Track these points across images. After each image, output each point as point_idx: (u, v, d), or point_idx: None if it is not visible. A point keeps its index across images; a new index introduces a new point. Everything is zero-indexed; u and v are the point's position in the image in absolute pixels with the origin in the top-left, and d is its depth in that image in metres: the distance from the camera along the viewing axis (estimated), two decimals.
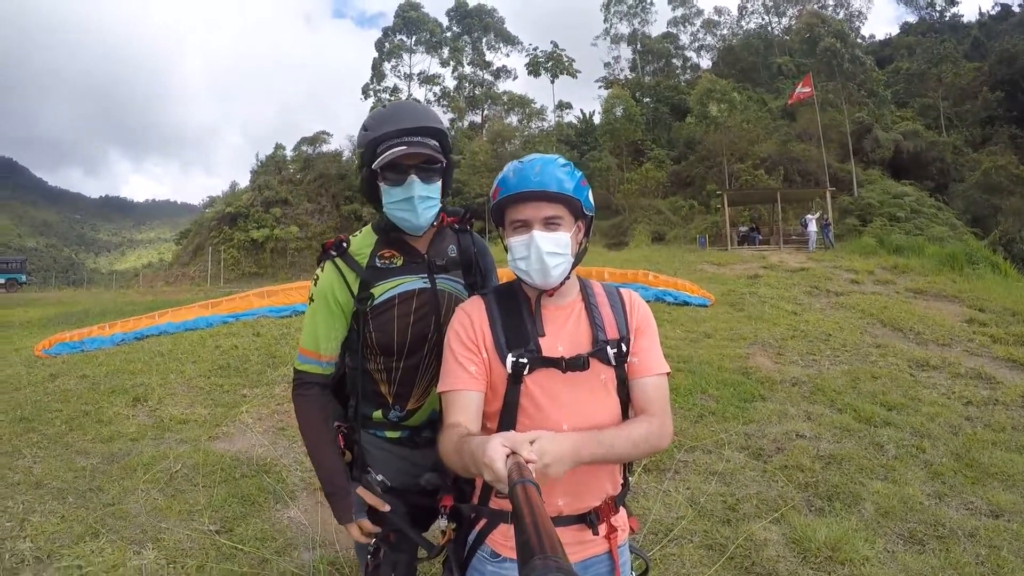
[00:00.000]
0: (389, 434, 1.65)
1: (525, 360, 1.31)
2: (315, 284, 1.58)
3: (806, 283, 12.32)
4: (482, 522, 1.38)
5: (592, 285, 1.48)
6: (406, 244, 1.60)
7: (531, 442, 1.00)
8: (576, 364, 1.32)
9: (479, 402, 1.34)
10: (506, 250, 1.39)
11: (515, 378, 1.32)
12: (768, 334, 8.20)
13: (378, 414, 1.63)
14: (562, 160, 1.37)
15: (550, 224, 1.32)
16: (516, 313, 1.38)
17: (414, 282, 1.57)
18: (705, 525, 3.45)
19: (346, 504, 1.54)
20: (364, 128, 1.54)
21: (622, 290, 1.49)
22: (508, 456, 0.92)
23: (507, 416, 1.34)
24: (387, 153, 1.46)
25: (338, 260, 1.56)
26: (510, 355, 1.31)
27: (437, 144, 1.54)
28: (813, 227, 23.94)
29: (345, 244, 1.58)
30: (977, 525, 3.49)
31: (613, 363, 1.36)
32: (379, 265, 1.56)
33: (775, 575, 2.98)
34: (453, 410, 1.32)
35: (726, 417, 5.20)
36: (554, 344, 1.35)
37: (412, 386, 1.61)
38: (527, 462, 0.90)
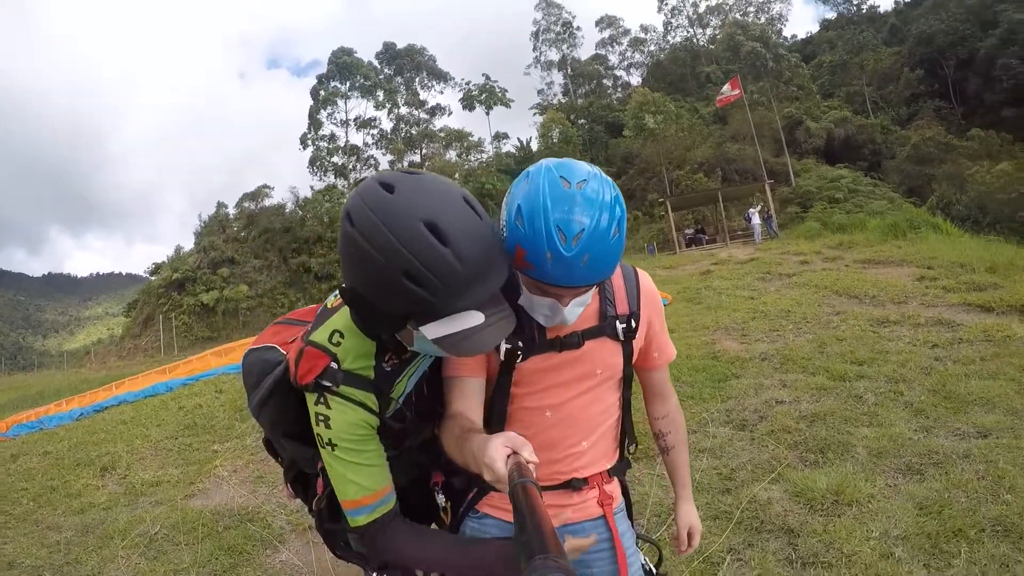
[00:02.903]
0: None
1: (520, 346, 1.27)
2: (326, 426, 1.19)
3: (758, 271, 12.56)
4: (473, 492, 1.37)
5: None
6: None
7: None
8: (570, 343, 1.29)
9: (480, 388, 1.30)
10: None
11: (506, 366, 1.29)
12: (729, 320, 8.32)
13: None
14: (614, 219, 1.07)
15: (584, 292, 1.18)
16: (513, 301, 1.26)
17: (422, 364, 1.32)
18: (705, 498, 3.45)
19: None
20: (411, 278, 0.99)
21: (638, 269, 1.43)
22: (509, 456, 0.90)
23: (499, 399, 1.32)
24: (460, 335, 1.05)
25: (344, 391, 1.19)
26: (504, 343, 1.26)
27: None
28: (757, 220, 24.63)
29: (337, 365, 1.20)
30: (969, 447, 3.59)
31: (622, 338, 1.32)
32: (388, 369, 1.25)
33: (786, 528, 3.00)
34: (454, 397, 1.28)
35: (704, 398, 5.24)
36: (554, 327, 1.27)
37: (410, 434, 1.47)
38: (528, 463, 0.88)
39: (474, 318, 1.04)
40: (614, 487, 1.41)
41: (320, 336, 1.23)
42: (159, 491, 4.88)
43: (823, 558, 2.68)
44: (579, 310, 1.19)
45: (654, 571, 1.48)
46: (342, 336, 1.21)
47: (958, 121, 42.38)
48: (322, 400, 1.19)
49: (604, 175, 1.12)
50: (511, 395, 1.31)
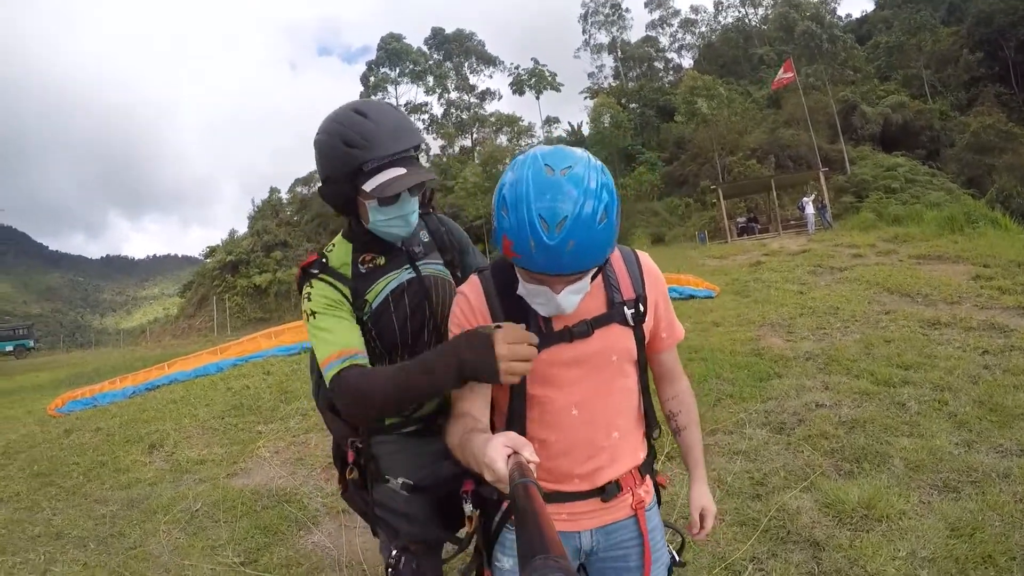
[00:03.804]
0: (403, 430, 1.61)
1: None
2: (309, 300, 1.48)
3: (809, 263, 12.28)
4: (507, 503, 1.33)
5: None
6: (383, 243, 1.56)
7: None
8: (580, 332, 1.25)
9: (486, 390, 1.29)
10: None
11: None
12: (776, 315, 8.16)
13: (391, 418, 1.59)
14: (600, 204, 1.05)
15: (576, 280, 1.15)
16: (516, 292, 1.26)
17: (401, 275, 1.55)
18: (735, 503, 3.40)
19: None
20: (346, 143, 1.41)
21: (637, 250, 1.40)
22: (510, 456, 0.90)
23: (516, 403, 1.30)
24: (387, 181, 1.41)
25: (324, 276, 1.50)
26: None
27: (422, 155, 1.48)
28: (811, 209, 23.93)
29: (324, 260, 1.53)
30: (1010, 465, 3.43)
31: (631, 323, 1.30)
32: (363, 271, 1.53)
33: (812, 540, 2.93)
34: (459, 399, 1.28)
35: (744, 398, 5.15)
36: (560, 317, 1.26)
37: None
38: (528, 462, 0.87)
39: (398, 171, 1.43)
40: (647, 487, 1.39)
41: (323, 249, 1.60)
42: (203, 469, 5.05)
43: (845, 575, 2.62)
44: (575, 298, 1.17)
45: (676, 558, 1.47)
46: (333, 246, 1.58)
47: (1020, 108, 40.00)
48: (308, 284, 1.50)
49: (596, 161, 1.11)
50: (533, 397, 1.28)
